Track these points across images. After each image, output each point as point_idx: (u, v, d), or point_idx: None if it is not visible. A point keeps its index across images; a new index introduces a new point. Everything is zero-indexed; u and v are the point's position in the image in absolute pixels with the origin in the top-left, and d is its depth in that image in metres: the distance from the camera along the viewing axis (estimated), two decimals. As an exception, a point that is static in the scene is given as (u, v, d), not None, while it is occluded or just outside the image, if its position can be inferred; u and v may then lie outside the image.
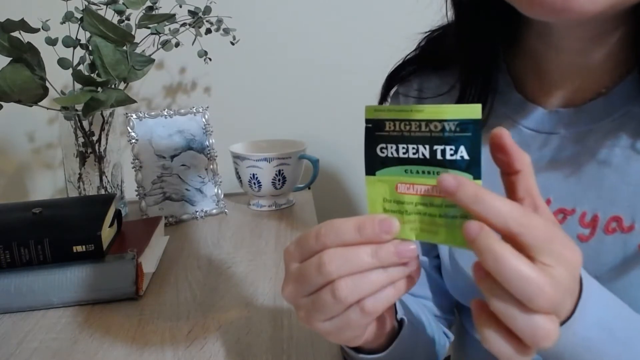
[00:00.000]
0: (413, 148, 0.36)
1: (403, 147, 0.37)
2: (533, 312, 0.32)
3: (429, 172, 0.36)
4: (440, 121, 0.35)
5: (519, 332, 0.33)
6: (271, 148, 1.01)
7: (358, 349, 0.49)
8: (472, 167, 0.35)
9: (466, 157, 0.35)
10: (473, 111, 0.34)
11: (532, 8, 0.42)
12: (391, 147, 0.37)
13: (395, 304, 0.49)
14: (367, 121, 0.38)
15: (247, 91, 1.16)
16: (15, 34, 0.79)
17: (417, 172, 0.36)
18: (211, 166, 0.98)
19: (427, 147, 0.36)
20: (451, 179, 0.34)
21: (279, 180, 0.96)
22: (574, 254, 0.34)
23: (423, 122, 0.36)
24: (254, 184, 0.97)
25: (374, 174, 0.38)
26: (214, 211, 0.98)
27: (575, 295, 0.36)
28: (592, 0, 0.39)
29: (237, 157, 0.97)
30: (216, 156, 0.98)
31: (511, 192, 0.37)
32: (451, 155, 0.35)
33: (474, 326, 0.61)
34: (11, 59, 0.80)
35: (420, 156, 0.36)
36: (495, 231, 0.33)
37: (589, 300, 0.37)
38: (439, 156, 0.35)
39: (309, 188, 1.05)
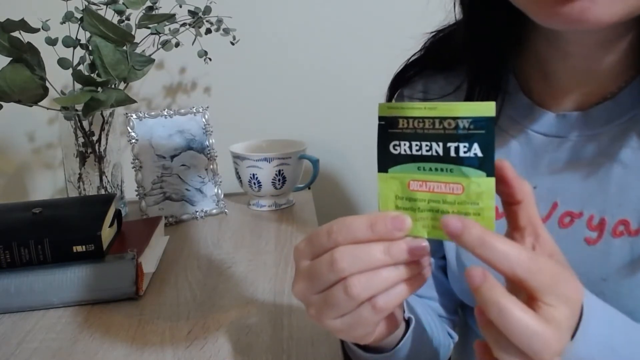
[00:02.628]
0: (426, 145, 0.36)
1: (416, 144, 0.37)
2: None
3: (442, 170, 0.36)
4: (454, 118, 0.35)
5: None
6: (271, 148, 1.01)
7: (365, 348, 0.49)
8: (486, 165, 0.35)
9: (480, 154, 0.35)
10: (487, 109, 0.35)
11: (550, 19, 0.42)
12: (404, 144, 0.37)
13: (403, 303, 0.49)
14: (380, 118, 0.38)
15: (247, 91, 1.16)
16: (15, 34, 0.79)
17: (430, 169, 0.37)
18: (211, 166, 0.98)
19: (441, 144, 0.36)
20: (455, 221, 0.34)
21: (279, 180, 0.96)
22: (577, 292, 0.34)
23: (437, 120, 0.36)
24: (254, 184, 0.97)
25: (386, 171, 0.38)
26: (214, 211, 0.98)
27: (576, 321, 0.36)
28: (608, 10, 0.39)
29: (237, 157, 0.97)
30: (216, 156, 0.98)
31: (513, 221, 0.37)
32: (465, 152, 0.35)
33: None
34: (11, 59, 0.80)
35: (434, 153, 0.36)
36: (501, 274, 0.33)
37: (591, 319, 0.37)
38: (452, 153, 0.35)
39: (309, 188, 1.05)
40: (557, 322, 0.32)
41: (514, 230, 0.37)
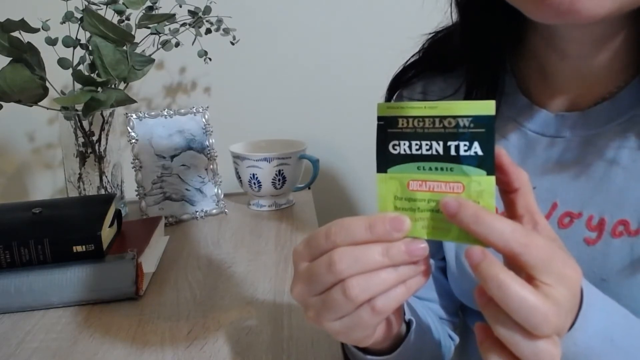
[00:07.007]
0: (426, 144, 0.36)
1: (416, 144, 0.37)
2: (537, 338, 0.32)
3: (442, 169, 0.36)
4: (455, 117, 0.35)
5: (523, 357, 0.33)
6: (271, 148, 1.01)
7: (365, 350, 0.49)
8: (486, 163, 0.35)
9: (480, 152, 0.35)
10: (487, 107, 0.35)
11: (539, 11, 0.42)
12: (404, 144, 0.37)
13: (403, 305, 0.48)
14: (379, 118, 0.38)
15: (247, 91, 1.16)
16: (15, 34, 0.79)
17: (430, 168, 0.36)
18: (211, 166, 0.98)
19: (441, 143, 0.36)
20: (452, 200, 0.34)
21: (279, 180, 0.96)
22: (574, 271, 0.34)
23: (437, 119, 0.36)
24: (254, 184, 0.97)
25: (385, 172, 0.38)
26: (214, 211, 0.98)
27: (576, 309, 0.36)
28: (598, 2, 0.39)
29: (237, 157, 0.97)
30: (216, 156, 0.98)
31: (510, 210, 0.37)
32: (465, 151, 0.35)
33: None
34: (11, 59, 0.80)
35: (434, 152, 0.36)
36: (497, 251, 0.33)
37: (590, 310, 0.37)
38: (452, 152, 0.35)
39: (309, 188, 1.05)
40: (555, 299, 0.32)
41: (512, 218, 0.37)
